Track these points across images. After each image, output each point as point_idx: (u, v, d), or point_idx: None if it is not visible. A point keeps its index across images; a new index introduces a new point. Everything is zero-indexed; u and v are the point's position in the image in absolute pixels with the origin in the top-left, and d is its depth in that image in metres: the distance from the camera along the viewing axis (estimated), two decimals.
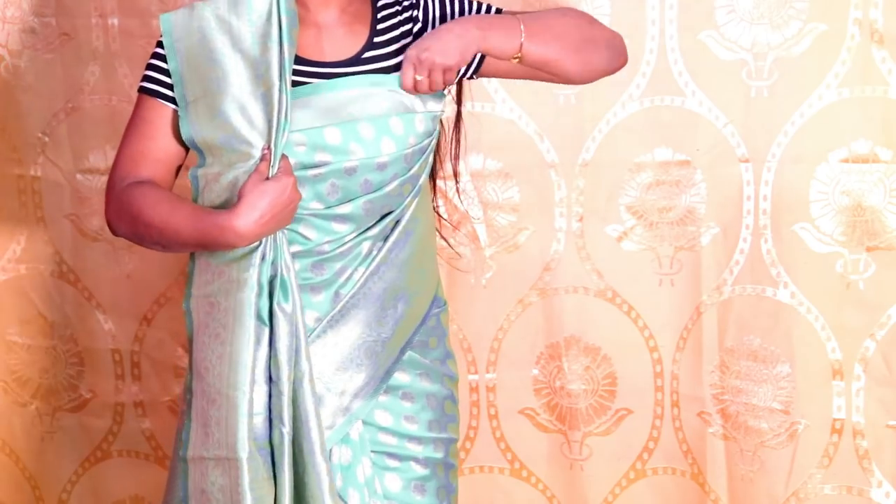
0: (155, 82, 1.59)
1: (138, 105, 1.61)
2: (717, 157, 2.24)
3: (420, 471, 1.69)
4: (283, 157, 1.52)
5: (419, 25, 1.64)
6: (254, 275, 1.52)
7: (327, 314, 1.61)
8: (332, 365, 1.62)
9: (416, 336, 1.70)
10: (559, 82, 1.70)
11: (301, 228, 1.58)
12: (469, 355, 2.40)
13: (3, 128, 2.47)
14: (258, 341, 1.54)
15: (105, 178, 1.71)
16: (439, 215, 1.87)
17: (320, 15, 1.61)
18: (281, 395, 1.54)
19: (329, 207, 1.58)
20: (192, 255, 1.61)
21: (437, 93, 1.61)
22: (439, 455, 1.71)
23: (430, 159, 1.68)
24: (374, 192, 1.60)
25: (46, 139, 2.45)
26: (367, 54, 1.60)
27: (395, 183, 1.61)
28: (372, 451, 1.67)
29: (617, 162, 2.28)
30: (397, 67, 1.60)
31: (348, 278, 1.62)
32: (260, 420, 1.56)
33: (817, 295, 2.23)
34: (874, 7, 2.11)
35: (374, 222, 1.62)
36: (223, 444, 1.53)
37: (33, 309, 2.55)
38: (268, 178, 1.49)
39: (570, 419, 2.39)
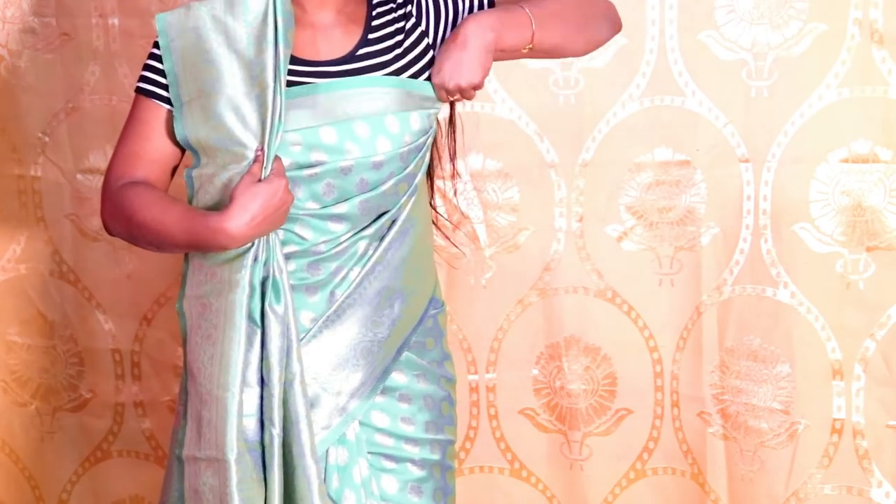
0: (151, 83, 1.59)
1: (134, 105, 1.61)
2: (717, 157, 2.24)
3: (417, 472, 1.68)
4: (277, 158, 1.52)
5: (412, 21, 1.64)
6: (246, 276, 1.52)
7: (323, 314, 1.61)
8: (328, 365, 1.62)
9: (413, 336, 1.70)
10: (557, 58, 1.73)
11: (297, 228, 1.58)
12: (469, 355, 2.40)
13: (3, 128, 2.47)
14: (249, 343, 1.53)
15: None
16: (439, 215, 1.87)
17: (316, 15, 1.60)
18: (272, 397, 1.53)
19: (325, 207, 1.58)
20: (186, 256, 1.61)
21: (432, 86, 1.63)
22: (436, 457, 1.71)
23: (427, 158, 1.68)
24: (370, 191, 1.59)
25: (46, 139, 2.46)
26: (361, 51, 1.60)
27: (391, 182, 1.61)
28: (368, 453, 1.66)
29: (617, 162, 2.28)
30: (389, 64, 1.60)
31: (344, 278, 1.61)
32: (252, 421, 1.55)
33: (817, 295, 2.23)
34: (874, 7, 2.11)
35: (369, 222, 1.62)
36: (213, 444, 1.53)
37: (33, 309, 2.55)
38: (260, 180, 1.49)
39: (570, 419, 2.39)
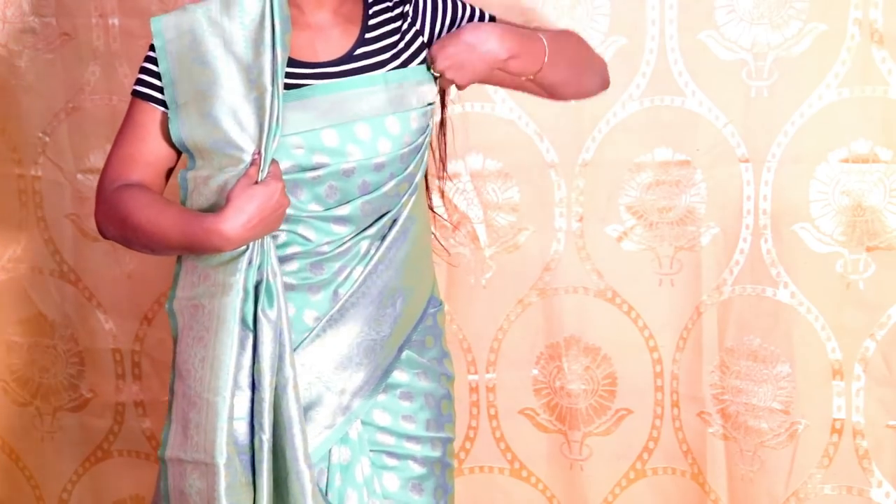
0: (146, 85, 1.58)
1: (130, 108, 1.61)
2: (717, 157, 2.24)
3: (418, 470, 1.69)
4: (273, 161, 1.51)
5: (409, 21, 1.64)
6: (240, 279, 1.51)
7: (326, 313, 1.61)
8: (331, 364, 1.62)
9: (413, 335, 1.70)
10: (544, 97, 1.74)
11: (300, 230, 1.58)
12: (469, 355, 2.40)
13: (3, 128, 2.48)
14: (242, 346, 1.53)
15: None
16: (437, 215, 1.87)
17: (313, 16, 1.60)
18: (262, 402, 1.53)
19: (328, 209, 1.58)
20: (179, 257, 1.61)
21: (430, 77, 1.62)
22: (437, 454, 1.71)
23: (425, 158, 1.68)
24: (372, 192, 1.60)
25: (47, 139, 2.46)
26: (359, 51, 1.60)
27: (392, 183, 1.61)
28: (371, 451, 1.67)
29: (617, 162, 2.28)
30: (386, 63, 1.60)
31: (347, 277, 1.62)
32: (242, 425, 1.55)
33: (817, 295, 2.23)
34: (874, 7, 2.10)
35: (371, 222, 1.63)
36: (201, 448, 1.52)
37: (34, 308, 2.56)
38: (256, 183, 1.49)
39: (570, 419, 2.39)
